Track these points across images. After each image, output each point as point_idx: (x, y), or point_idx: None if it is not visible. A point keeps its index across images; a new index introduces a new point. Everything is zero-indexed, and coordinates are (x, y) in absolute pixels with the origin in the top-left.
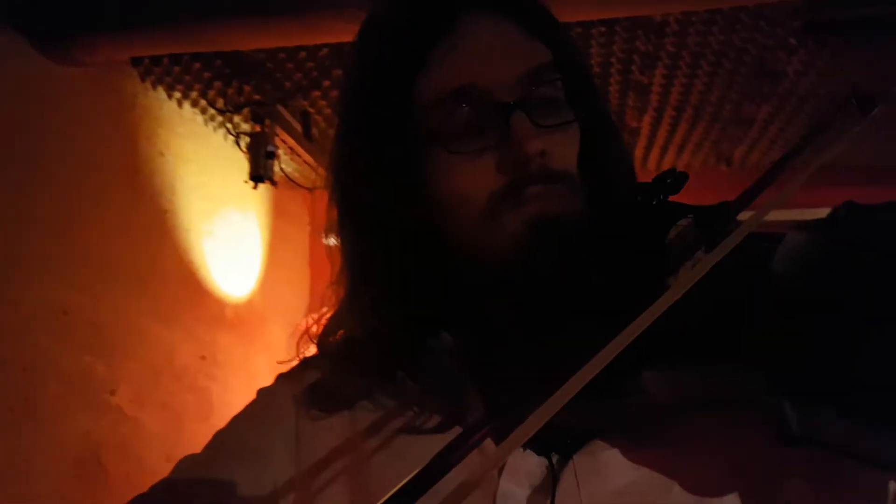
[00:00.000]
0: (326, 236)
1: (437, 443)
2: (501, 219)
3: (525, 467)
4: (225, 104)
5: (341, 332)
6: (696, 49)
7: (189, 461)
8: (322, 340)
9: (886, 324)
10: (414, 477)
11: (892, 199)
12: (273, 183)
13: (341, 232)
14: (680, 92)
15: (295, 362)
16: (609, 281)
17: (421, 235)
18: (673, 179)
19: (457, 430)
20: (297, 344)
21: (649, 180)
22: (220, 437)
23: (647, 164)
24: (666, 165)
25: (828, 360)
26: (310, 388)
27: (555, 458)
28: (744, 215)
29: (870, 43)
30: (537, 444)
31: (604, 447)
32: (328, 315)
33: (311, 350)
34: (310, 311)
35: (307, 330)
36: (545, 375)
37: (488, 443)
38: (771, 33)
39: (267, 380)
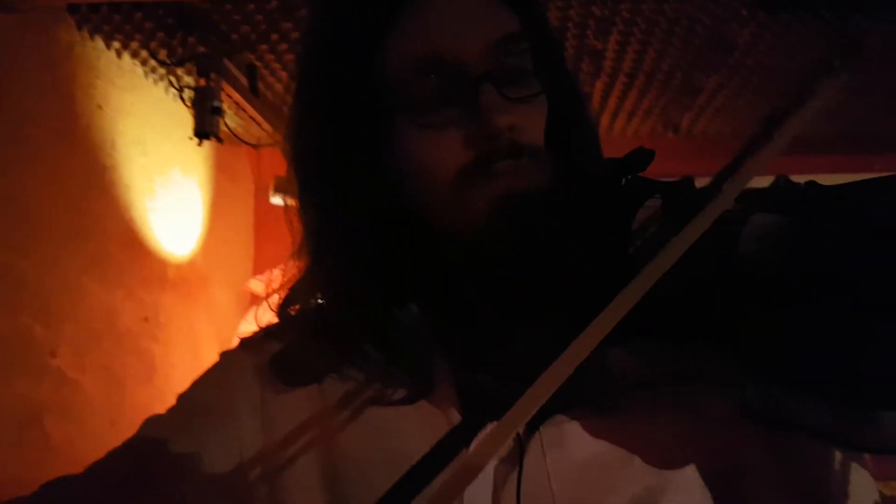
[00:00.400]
0: (272, 195)
1: (406, 415)
2: (469, 194)
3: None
4: (168, 56)
5: (304, 302)
6: (651, 16)
7: (154, 422)
8: (283, 310)
9: (857, 311)
10: (411, 473)
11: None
12: (219, 139)
13: (301, 200)
14: (633, 59)
15: (255, 329)
16: (580, 262)
17: (386, 206)
18: (641, 157)
19: (423, 404)
20: (255, 313)
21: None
22: (185, 398)
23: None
24: (616, 132)
25: (795, 345)
26: (274, 358)
27: (521, 430)
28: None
29: (818, 19)
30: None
31: (568, 420)
32: (284, 281)
33: (270, 318)
34: (255, 272)
35: (267, 297)
36: (522, 356)
37: (455, 414)
38: (725, 4)
39: (211, 342)
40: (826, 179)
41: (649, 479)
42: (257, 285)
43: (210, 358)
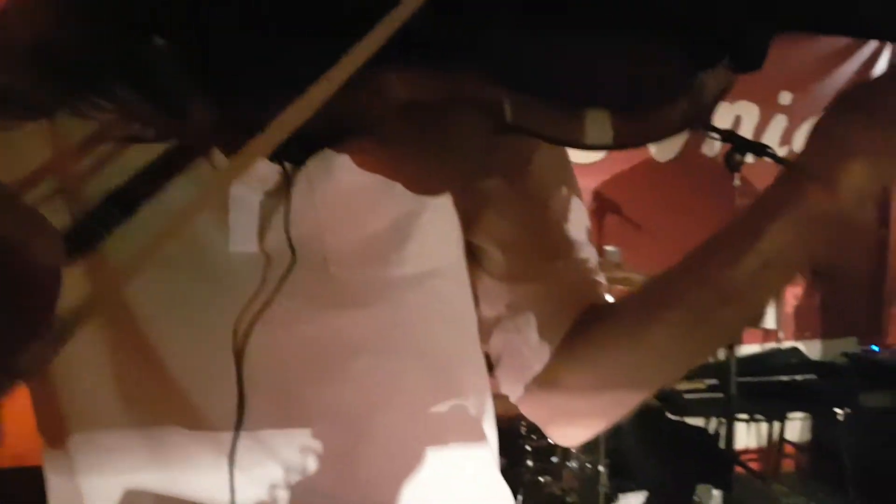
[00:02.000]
0: None
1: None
2: None
3: (257, 173)
4: None
5: (21, 29)
6: None
7: None
8: None
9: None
10: (132, 181)
11: None
12: None
13: None
14: None
15: None
16: None
17: None
18: None
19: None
20: None
21: None
22: None
23: None
24: None
25: (544, 57)
26: None
27: (289, 167)
28: None
29: None
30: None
31: (335, 154)
32: None
33: None
34: None
35: None
36: (283, 85)
37: (220, 156)
38: None
39: None
40: None
41: (408, 203)
42: None
43: None
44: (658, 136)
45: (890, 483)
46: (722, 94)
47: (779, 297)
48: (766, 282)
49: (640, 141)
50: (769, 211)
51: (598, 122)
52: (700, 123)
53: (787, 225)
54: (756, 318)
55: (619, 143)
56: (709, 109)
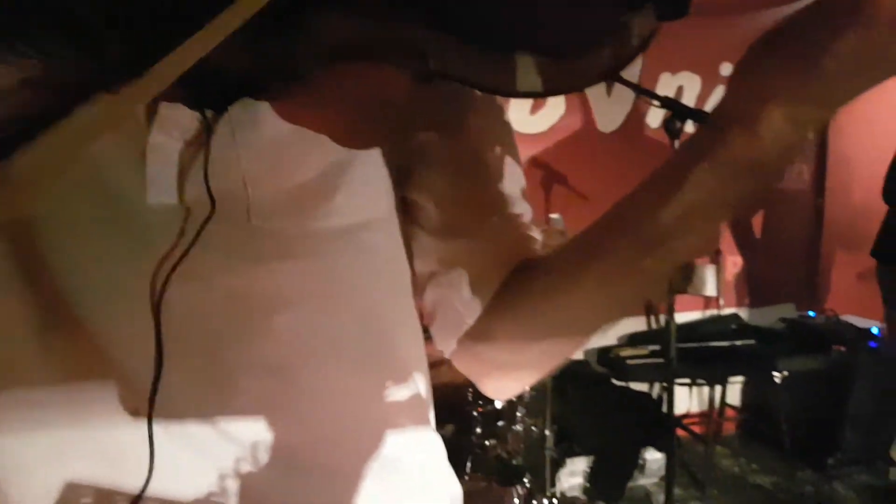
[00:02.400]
0: None
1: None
2: None
3: (176, 120)
4: None
5: None
6: None
7: None
8: None
9: None
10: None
11: None
12: None
13: None
14: None
15: None
16: None
17: None
18: None
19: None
20: None
21: None
22: None
23: None
24: None
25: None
26: None
27: (210, 114)
28: None
29: None
30: (189, 98)
31: (259, 102)
32: None
33: None
34: None
35: None
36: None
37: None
38: None
39: None
40: None
41: (336, 154)
42: None
43: None
44: (587, 82)
45: (824, 442)
46: (648, 41)
47: (719, 266)
48: (689, 230)
49: (570, 87)
50: (691, 157)
51: (528, 69)
52: (626, 64)
53: (708, 171)
54: (685, 278)
55: (548, 90)
56: (635, 54)
